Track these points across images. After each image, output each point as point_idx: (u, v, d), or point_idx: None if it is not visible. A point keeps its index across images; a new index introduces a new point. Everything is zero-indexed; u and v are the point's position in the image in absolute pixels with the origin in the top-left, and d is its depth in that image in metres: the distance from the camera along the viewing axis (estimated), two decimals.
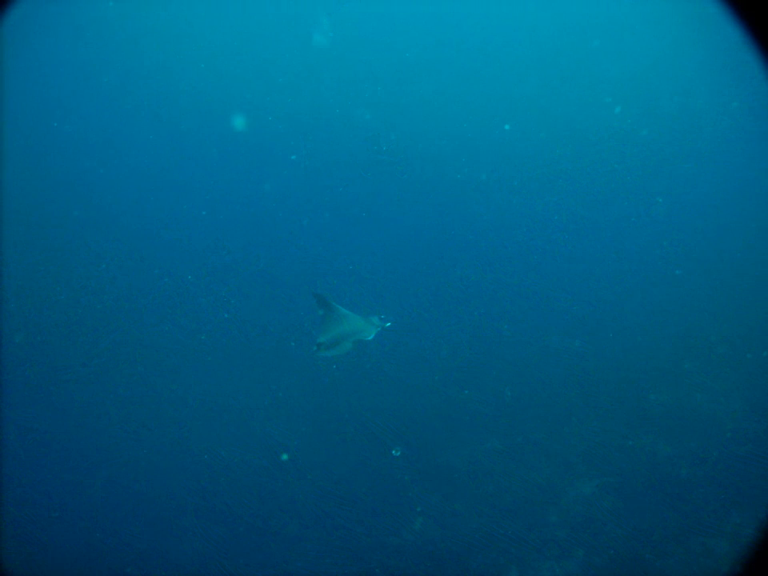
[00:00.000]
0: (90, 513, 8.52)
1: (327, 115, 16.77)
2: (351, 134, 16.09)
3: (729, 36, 11.85)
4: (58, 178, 14.96)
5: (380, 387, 10.07)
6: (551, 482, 8.40)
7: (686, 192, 13.82)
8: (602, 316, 11.15)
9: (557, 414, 9.32)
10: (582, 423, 9.13)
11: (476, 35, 19.30)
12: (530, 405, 9.54)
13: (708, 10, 14.50)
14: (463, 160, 15.42)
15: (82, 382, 10.39)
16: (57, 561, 8.05)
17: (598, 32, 17.84)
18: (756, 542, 6.77)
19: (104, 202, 14.41)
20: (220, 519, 8.41)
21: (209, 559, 8.02)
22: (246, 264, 13.03)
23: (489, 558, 7.67)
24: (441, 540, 7.90)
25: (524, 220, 13.88)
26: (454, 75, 18.02)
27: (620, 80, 16.62)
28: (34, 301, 11.86)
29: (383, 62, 18.56)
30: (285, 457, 9.08)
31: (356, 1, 19.96)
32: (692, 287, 11.42)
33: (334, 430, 9.41)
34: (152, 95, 17.53)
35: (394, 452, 8.94)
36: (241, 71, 18.38)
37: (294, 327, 11.34)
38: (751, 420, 8.64)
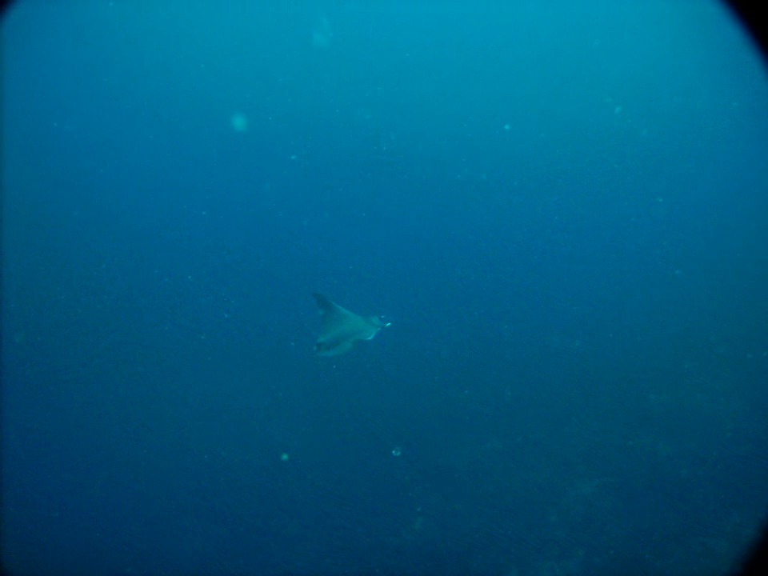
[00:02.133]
0: (90, 513, 8.52)
1: (327, 115, 16.75)
2: (351, 134, 16.07)
3: (729, 36, 11.83)
4: (57, 177, 14.95)
5: (380, 387, 10.06)
6: (551, 482, 8.40)
7: (686, 192, 13.81)
8: (602, 316, 11.15)
9: (557, 414, 9.31)
10: (582, 423, 9.13)
11: (476, 35, 19.28)
12: (530, 405, 9.54)
13: (708, 10, 14.48)
14: (463, 160, 15.41)
15: (82, 381, 10.39)
16: (57, 561, 8.05)
17: (598, 32, 17.81)
18: (756, 541, 6.76)
19: (104, 202, 14.40)
20: (220, 519, 8.42)
21: (209, 559, 8.02)
22: (246, 264, 13.03)
23: (489, 558, 7.67)
24: (441, 540, 7.90)
25: (524, 220, 13.88)
26: (454, 75, 17.99)
27: (620, 80, 16.60)
28: (33, 301, 11.86)
29: (383, 62, 18.53)
30: (285, 457, 9.08)
31: (356, 1, 19.94)
32: (692, 287, 11.41)
33: (333, 430, 9.41)
34: (152, 95, 17.50)
35: (394, 452, 8.94)
36: (241, 71, 18.36)
37: (294, 327, 11.34)
38: (751, 420, 8.64)
